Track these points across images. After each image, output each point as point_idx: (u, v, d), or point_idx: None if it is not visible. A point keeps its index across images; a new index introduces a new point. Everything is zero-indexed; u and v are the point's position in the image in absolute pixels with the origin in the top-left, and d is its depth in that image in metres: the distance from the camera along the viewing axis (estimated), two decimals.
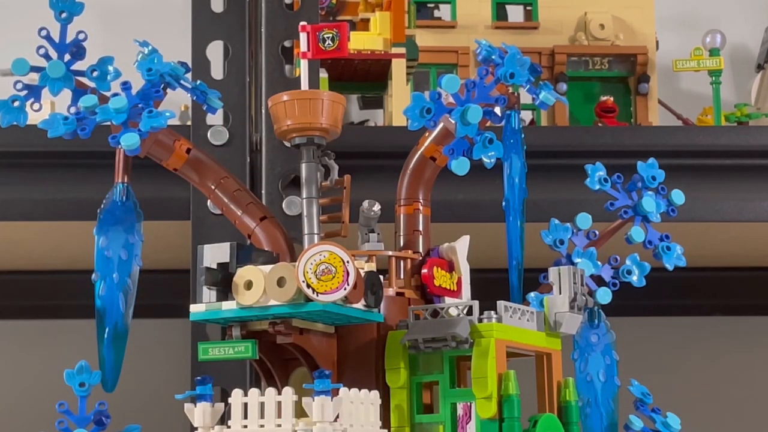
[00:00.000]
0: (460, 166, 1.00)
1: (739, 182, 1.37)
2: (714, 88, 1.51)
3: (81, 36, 1.01)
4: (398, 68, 1.39)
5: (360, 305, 0.93)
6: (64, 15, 1.01)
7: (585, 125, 1.46)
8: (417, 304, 1.00)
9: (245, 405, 0.91)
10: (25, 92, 1.01)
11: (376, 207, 1.05)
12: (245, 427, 0.91)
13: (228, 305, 0.92)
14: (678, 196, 1.10)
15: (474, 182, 1.12)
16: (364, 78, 1.44)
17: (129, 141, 0.96)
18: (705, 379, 1.83)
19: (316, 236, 1.00)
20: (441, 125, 1.03)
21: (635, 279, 1.08)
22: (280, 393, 0.90)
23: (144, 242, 1.02)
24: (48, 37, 1.00)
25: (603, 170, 1.09)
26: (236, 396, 0.91)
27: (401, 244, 1.05)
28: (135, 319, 1.01)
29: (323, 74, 1.35)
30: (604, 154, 1.22)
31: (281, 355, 0.98)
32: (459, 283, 1.05)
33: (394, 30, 1.39)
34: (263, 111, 1.29)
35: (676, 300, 1.78)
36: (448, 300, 1.02)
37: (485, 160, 1.00)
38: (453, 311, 0.96)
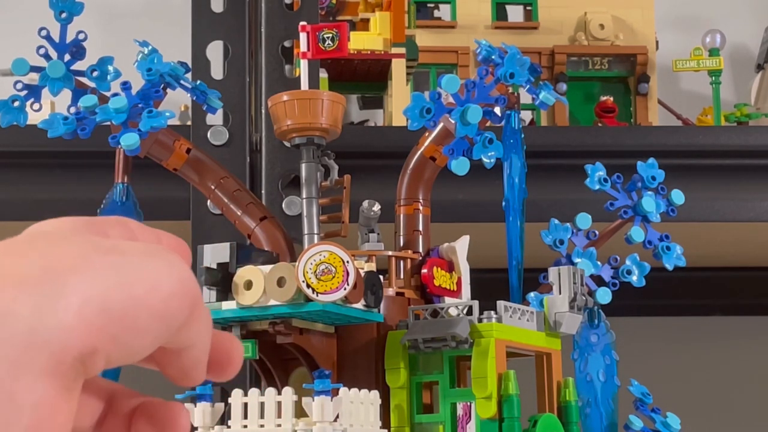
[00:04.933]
0: (460, 166, 1.00)
1: (738, 182, 1.37)
2: (714, 88, 1.51)
3: (81, 36, 1.01)
4: (398, 68, 1.39)
5: (360, 305, 0.93)
6: (64, 15, 1.01)
7: (585, 125, 1.46)
8: (417, 304, 1.00)
9: (245, 405, 0.91)
10: (25, 92, 1.01)
11: (376, 207, 1.05)
12: (245, 427, 0.91)
13: (228, 305, 0.92)
14: (678, 196, 1.10)
15: (474, 182, 1.12)
16: (364, 78, 1.43)
17: (129, 141, 0.96)
18: (705, 379, 1.83)
19: (316, 236, 1.00)
20: (441, 125, 1.03)
21: (635, 279, 1.08)
22: (280, 393, 0.90)
23: None
24: (48, 37, 1.00)
25: (603, 170, 1.09)
26: (236, 396, 0.91)
27: (401, 244, 1.05)
28: None
29: (323, 74, 1.35)
30: (604, 154, 1.21)
31: (281, 355, 0.98)
32: (459, 283, 1.04)
33: (394, 30, 1.39)
34: (263, 111, 1.29)
35: (676, 300, 1.78)
36: (448, 300, 1.02)
37: (485, 160, 1.00)
38: (453, 311, 0.96)
